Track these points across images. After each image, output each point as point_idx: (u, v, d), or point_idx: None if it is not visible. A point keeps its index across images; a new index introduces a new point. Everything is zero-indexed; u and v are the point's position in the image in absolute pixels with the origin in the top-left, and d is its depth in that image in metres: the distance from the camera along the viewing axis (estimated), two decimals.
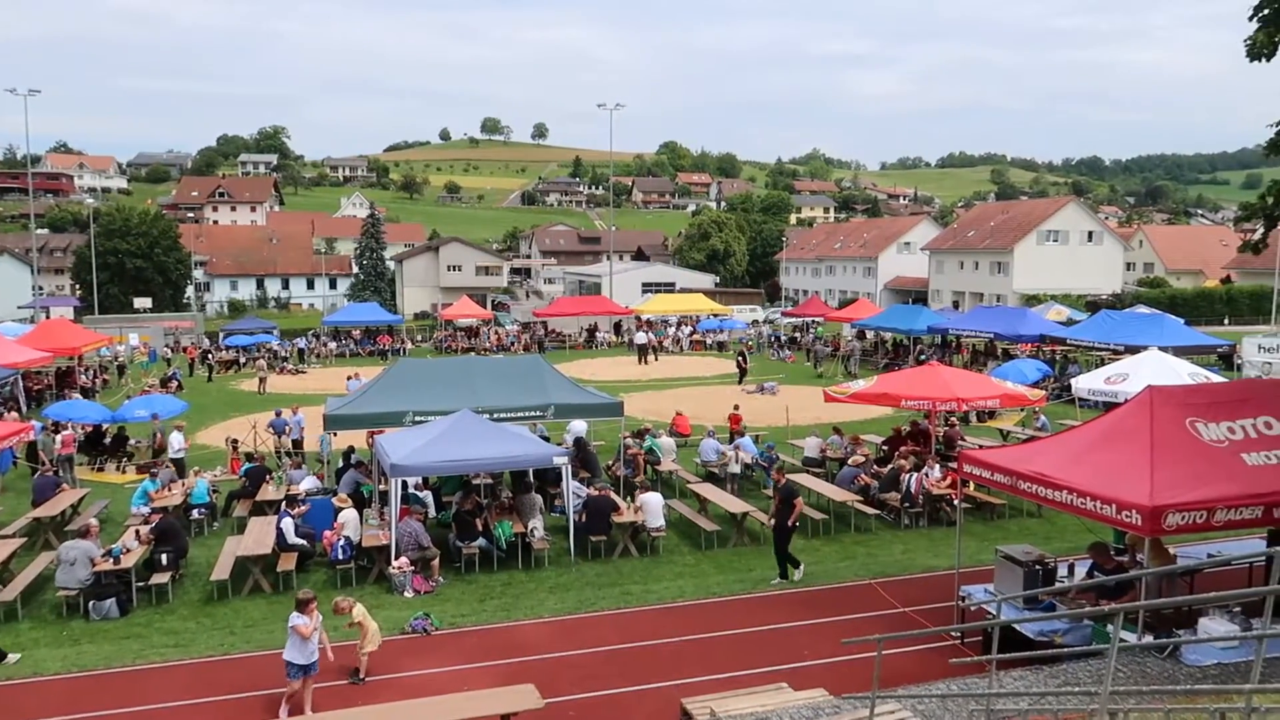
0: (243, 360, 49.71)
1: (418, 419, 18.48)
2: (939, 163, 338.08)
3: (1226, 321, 63.80)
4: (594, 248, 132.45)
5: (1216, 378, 23.73)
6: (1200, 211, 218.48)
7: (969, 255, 78.33)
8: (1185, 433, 11.82)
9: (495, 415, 18.72)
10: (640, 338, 50.05)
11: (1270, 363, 32.89)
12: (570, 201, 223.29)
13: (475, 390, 19.76)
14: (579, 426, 22.58)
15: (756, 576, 15.99)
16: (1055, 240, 73.48)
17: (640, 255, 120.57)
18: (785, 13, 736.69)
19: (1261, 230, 13.50)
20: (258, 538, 16.37)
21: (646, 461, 22.41)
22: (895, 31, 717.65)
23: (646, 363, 47.24)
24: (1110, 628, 11.51)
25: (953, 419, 25.67)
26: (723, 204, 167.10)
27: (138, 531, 16.18)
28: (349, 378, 34.80)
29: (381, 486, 18.07)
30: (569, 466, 17.18)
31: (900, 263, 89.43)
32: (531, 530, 16.92)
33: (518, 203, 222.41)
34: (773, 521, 16.11)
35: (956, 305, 73.95)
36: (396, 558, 15.41)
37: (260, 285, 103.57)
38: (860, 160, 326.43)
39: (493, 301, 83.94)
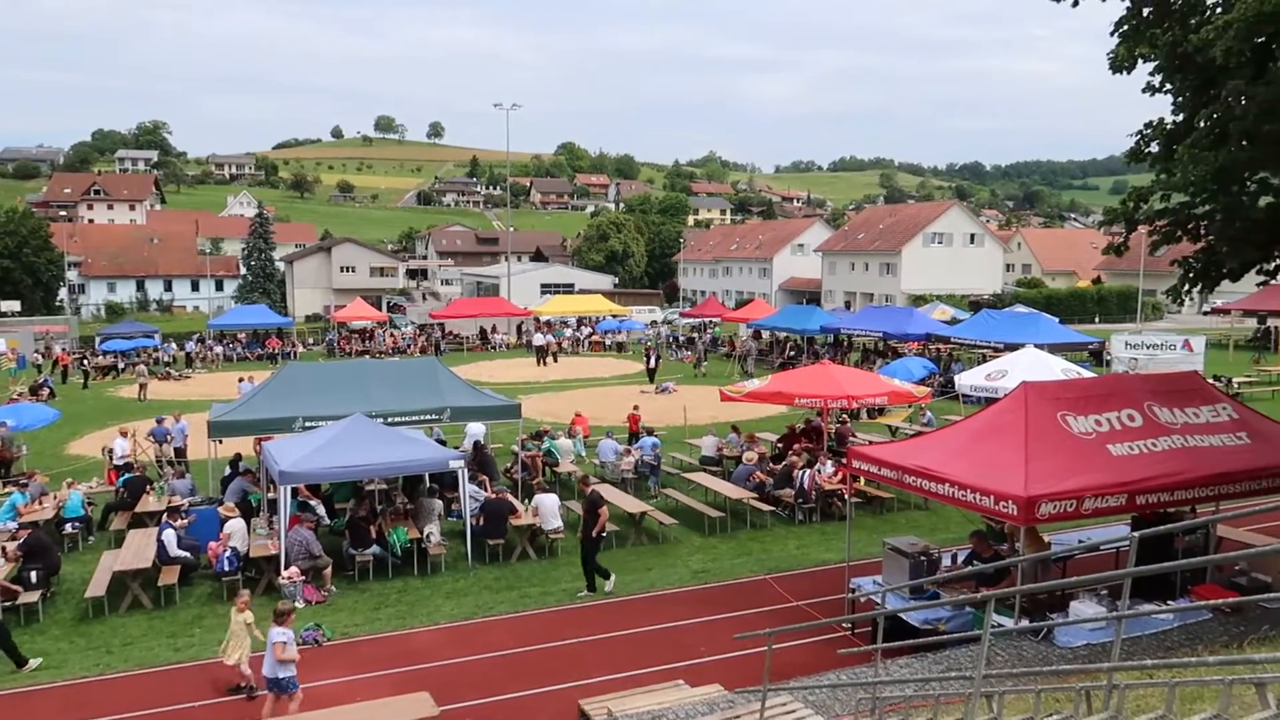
0: (121, 366, 47.45)
1: (308, 424, 17.99)
2: (831, 166, 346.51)
3: (1097, 320, 67.26)
4: (492, 248, 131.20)
5: (1088, 373, 25.00)
6: (1073, 215, 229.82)
7: (859, 257, 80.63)
8: (1057, 426, 12.45)
9: (390, 419, 18.37)
10: (539, 339, 49.84)
11: (1136, 358, 34.81)
12: (468, 202, 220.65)
13: (369, 394, 19.36)
14: (476, 429, 22.36)
15: (655, 576, 16.12)
16: (940, 242, 76.32)
17: (539, 256, 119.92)
18: (683, 16, 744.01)
19: (1123, 233, 14.32)
20: (137, 551, 15.66)
21: (545, 464, 22.35)
22: (791, 37, 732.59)
23: (545, 364, 47.07)
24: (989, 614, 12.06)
25: (844, 416, 26.37)
26: (621, 205, 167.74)
27: (3, 548, 15.26)
28: (241, 380, 33.63)
29: (270, 494, 17.52)
30: (465, 470, 17.00)
31: (794, 264, 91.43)
32: (428, 536, 16.68)
33: (413, 203, 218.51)
34: (579, 533, 15.58)
35: (848, 305, 76.08)
36: (286, 567, 14.96)
37: (140, 287, 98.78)
38: (756, 163, 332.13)
39: (388, 303, 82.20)
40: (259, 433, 19.30)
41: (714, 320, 57.91)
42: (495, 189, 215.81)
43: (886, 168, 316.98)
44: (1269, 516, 16.13)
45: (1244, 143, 12.17)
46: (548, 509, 17.25)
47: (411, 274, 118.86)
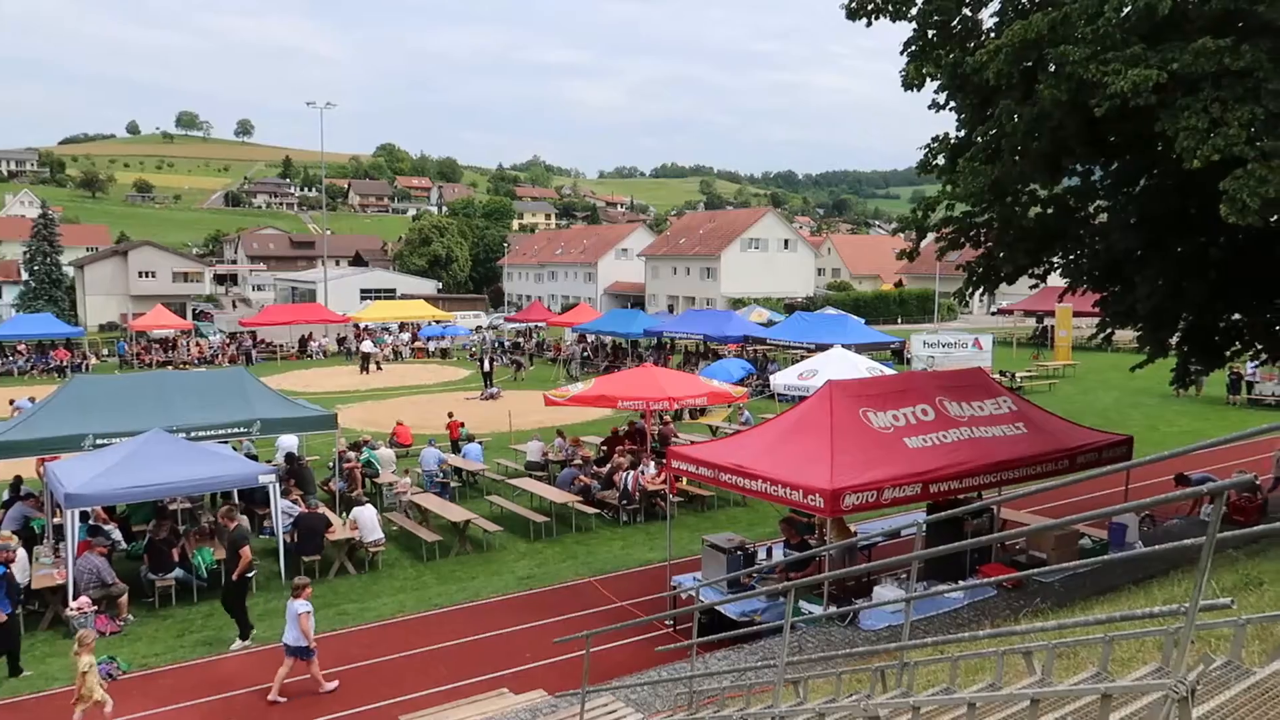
0: None
1: (99, 442, 16.68)
2: (653, 173, 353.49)
3: (899, 321, 71.73)
4: (308, 252, 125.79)
5: (890, 371, 26.63)
6: (878, 223, 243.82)
7: (681, 261, 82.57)
8: (859, 421, 13.22)
9: (193, 434, 17.33)
10: (367, 346, 48.29)
11: (933, 356, 37.37)
12: (281, 204, 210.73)
13: (169, 408, 18.16)
14: (289, 441, 21.43)
15: (480, 585, 15.94)
16: (757, 248, 79.28)
17: (358, 260, 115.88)
18: (506, 19, 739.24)
19: (915, 240, 15.38)
20: None
21: (364, 475, 21.68)
22: (613, 45, 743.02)
23: (368, 371, 45.63)
24: (801, 603, 12.64)
25: (667, 417, 26.96)
26: (444, 209, 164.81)
27: None
28: (13, 401, 30.48)
29: (56, 519, 16.14)
30: (276, 484, 16.24)
31: (619, 268, 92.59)
32: None
33: (221, 204, 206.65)
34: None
35: (671, 309, 77.73)
36: (75, 598, 13.82)
37: None
38: (580, 168, 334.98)
39: (194, 310, 77.34)
40: (42, 453, 17.70)
41: (539, 325, 57.85)
42: (310, 190, 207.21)
43: (706, 175, 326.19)
44: (1044, 498, 17.72)
45: (1015, 158, 13.32)
46: (366, 521, 16.74)
47: (220, 279, 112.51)
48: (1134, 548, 14.22)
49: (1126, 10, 10.80)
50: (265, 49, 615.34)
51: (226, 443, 18.90)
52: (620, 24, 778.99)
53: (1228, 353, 16.38)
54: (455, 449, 23.95)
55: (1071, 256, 15.93)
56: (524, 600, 15.18)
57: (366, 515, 16.86)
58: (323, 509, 17.56)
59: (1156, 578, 12.34)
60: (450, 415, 26.50)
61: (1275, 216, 10.83)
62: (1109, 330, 16.65)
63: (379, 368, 47.29)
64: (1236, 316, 15.53)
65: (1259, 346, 15.90)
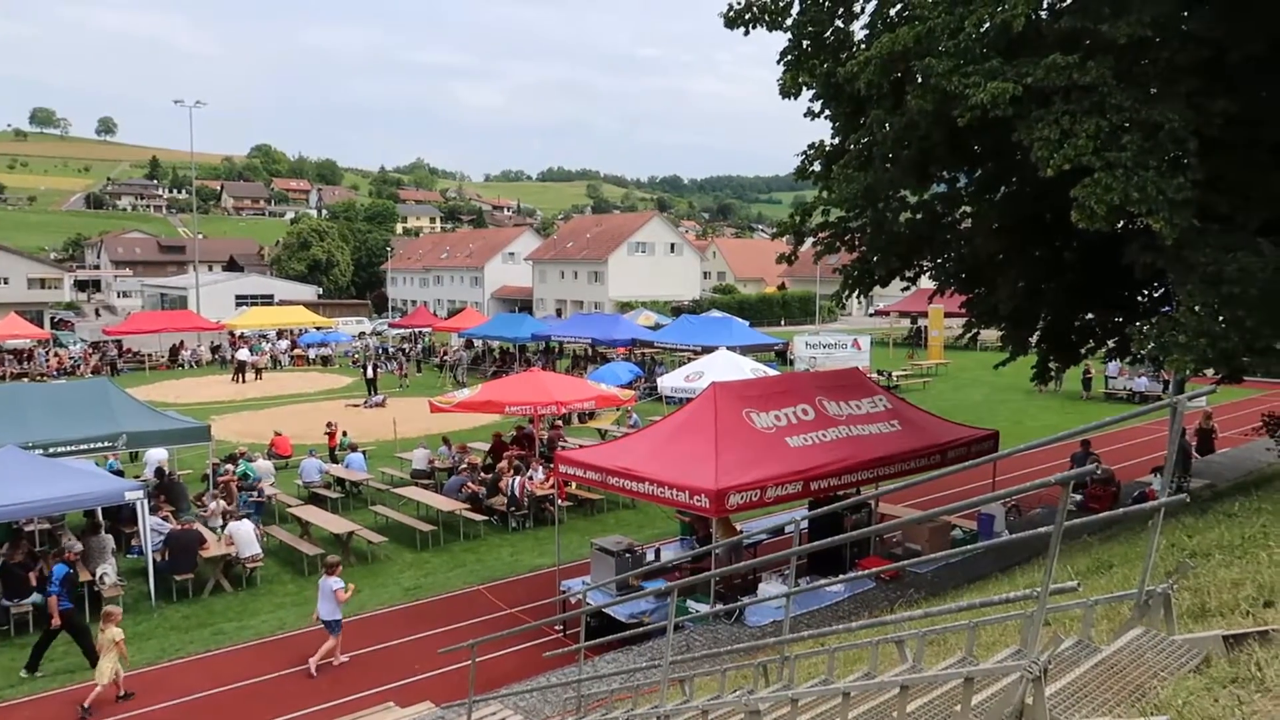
0: None
1: None
2: (540, 176, 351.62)
3: (783, 323, 73.46)
4: (178, 257, 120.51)
5: (773, 372, 27.26)
6: (761, 227, 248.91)
7: (569, 265, 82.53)
8: (742, 422, 13.51)
9: (51, 450, 16.41)
10: (243, 354, 46.45)
11: (815, 357, 38.44)
12: (148, 206, 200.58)
13: (25, 422, 17.18)
14: (157, 456, 20.50)
15: (364, 598, 15.56)
16: (643, 251, 79.91)
17: (233, 265, 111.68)
18: (386, 17, 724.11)
19: (793, 244, 15.80)
20: None
21: (240, 488, 20.88)
22: (497, 47, 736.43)
23: (244, 381, 43.93)
24: (688, 602, 12.83)
25: (557, 422, 26.90)
26: (324, 212, 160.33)
27: None
28: None
29: None
30: (144, 501, 15.48)
31: (506, 272, 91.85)
32: (101, 577, 15.02)
33: (81, 206, 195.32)
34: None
35: (559, 313, 77.58)
36: None
37: None
38: (465, 171, 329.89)
39: (52, 319, 73.01)
40: None
41: (425, 330, 56.88)
42: (180, 192, 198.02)
43: (593, 179, 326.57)
44: (919, 492, 18.46)
45: (886, 165, 13.85)
46: (243, 536, 16.13)
47: (81, 285, 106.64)
48: (1002, 537, 14.96)
49: (985, 26, 11.37)
50: (130, 43, 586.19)
51: (90, 458, 17.94)
52: (504, 26, 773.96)
53: (1083, 350, 17.41)
54: (333, 458, 23.34)
55: (940, 260, 16.67)
56: (411, 611, 14.91)
57: (243, 530, 16.26)
58: (195, 525, 16.87)
59: (1021, 565, 13.02)
60: (329, 425, 25.81)
61: (1121, 222, 11.56)
62: (974, 330, 17.50)
63: (258, 376, 45.62)
64: (1090, 316, 16.53)
65: (1110, 344, 16.96)
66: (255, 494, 20.12)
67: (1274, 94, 11.81)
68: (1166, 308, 14.03)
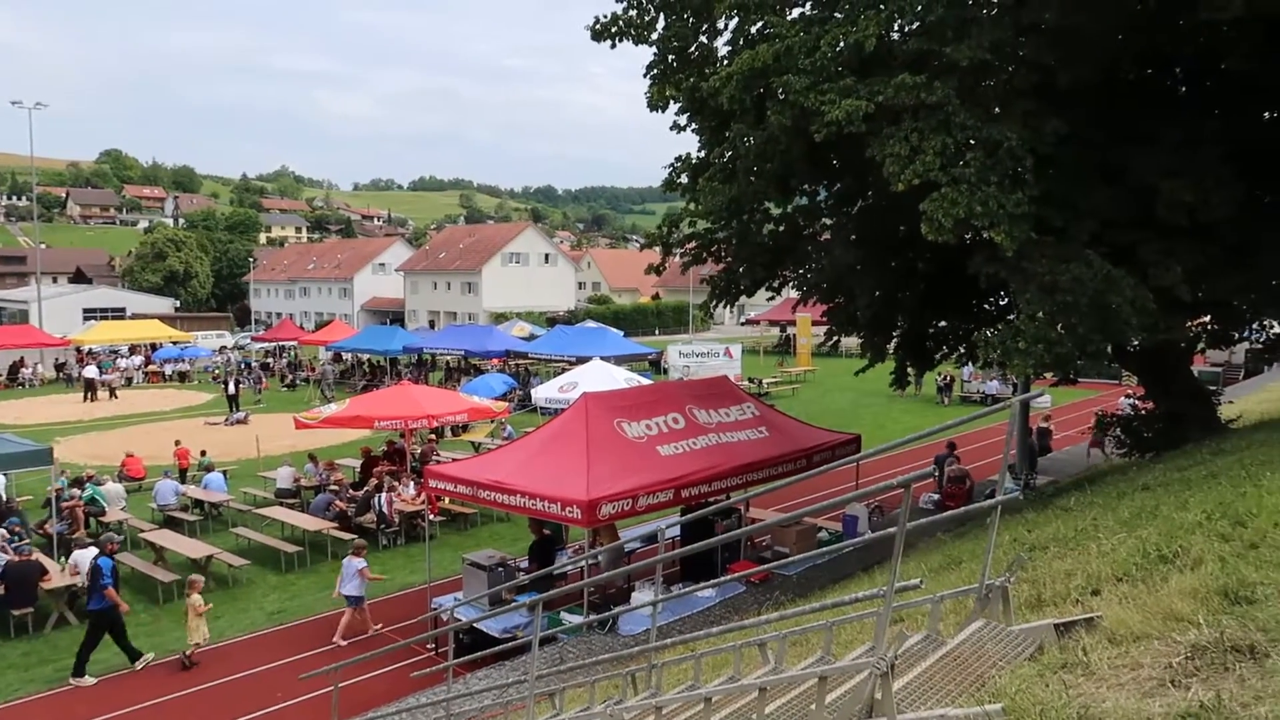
0: None
1: None
2: (411, 186, 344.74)
3: (657, 332, 74.28)
4: (18, 268, 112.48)
5: (648, 381, 27.50)
6: (635, 237, 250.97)
7: (442, 276, 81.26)
8: (614, 432, 13.59)
9: None
10: (90, 371, 43.69)
11: (689, 366, 38.99)
12: None
13: None
14: None
15: (224, 624, 14.88)
16: (517, 262, 79.48)
17: (80, 277, 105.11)
18: (244, 20, 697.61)
19: (661, 254, 16.04)
20: None
21: (88, 513, 19.66)
22: (364, 54, 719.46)
23: (95, 399, 41.37)
24: (562, 613, 12.80)
25: (431, 435, 26.40)
26: (181, 221, 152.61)
27: None
28: None
29: None
30: None
31: (376, 283, 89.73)
32: None
33: None
34: None
35: (432, 324, 76.29)
36: None
37: None
38: (333, 180, 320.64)
39: None
40: None
41: (291, 344, 54.89)
42: (20, 199, 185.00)
43: (466, 188, 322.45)
44: (786, 495, 18.98)
45: (750, 178, 14.21)
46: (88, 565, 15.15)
47: None
48: (865, 536, 15.52)
49: (840, 46, 11.83)
50: None
51: None
52: (369, 33, 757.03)
53: (938, 356, 18.28)
54: (183, 478, 22.26)
55: (802, 270, 17.21)
56: (275, 636, 14.35)
57: (89, 558, 15.27)
58: (36, 555, 15.78)
59: (882, 563, 13.52)
60: (177, 443, 24.60)
61: (967, 235, 12.21)
62: (836, 338, 18.13)
63: (113, 395, 43.04)
64: (943, 324, 17.38)
65: (961, 350, 17.86)
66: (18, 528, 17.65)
67: (1098, 115, 12.73)
68: (1010, 315, 14.89)
